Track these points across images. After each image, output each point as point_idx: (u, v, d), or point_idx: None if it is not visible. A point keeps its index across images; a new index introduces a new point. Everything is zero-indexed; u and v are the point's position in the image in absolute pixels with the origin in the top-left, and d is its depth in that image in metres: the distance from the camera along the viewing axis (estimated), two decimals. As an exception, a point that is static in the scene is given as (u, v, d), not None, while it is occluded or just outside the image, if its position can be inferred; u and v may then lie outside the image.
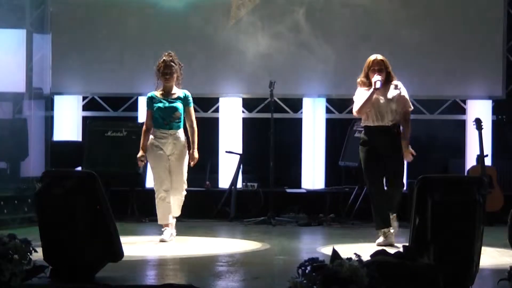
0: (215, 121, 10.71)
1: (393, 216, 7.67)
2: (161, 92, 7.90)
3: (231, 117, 10.64)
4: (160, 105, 7.82)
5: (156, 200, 7.80)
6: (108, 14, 10.62)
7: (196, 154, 7.85)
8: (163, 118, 7.79)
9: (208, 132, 10.69)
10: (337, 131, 10.70)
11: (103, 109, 10.96)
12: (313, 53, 10.35)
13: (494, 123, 10.53)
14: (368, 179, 7.68)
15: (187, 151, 7.84)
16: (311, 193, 10.40)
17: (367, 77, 7.64)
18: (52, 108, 10.73)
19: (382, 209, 7.60)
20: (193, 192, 10.30)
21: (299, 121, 10.69)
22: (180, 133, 7.83)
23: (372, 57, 7.67)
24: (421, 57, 10.30)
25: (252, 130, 10.69)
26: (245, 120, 10.70)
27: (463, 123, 10.58)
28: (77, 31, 10.58)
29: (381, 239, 7.59)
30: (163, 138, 7.78)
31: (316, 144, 10.59)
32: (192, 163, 7.88)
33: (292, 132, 10.66)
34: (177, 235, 8.08)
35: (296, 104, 10.75)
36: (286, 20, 10.38)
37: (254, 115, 10.77)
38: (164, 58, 7.84)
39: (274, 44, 10.37)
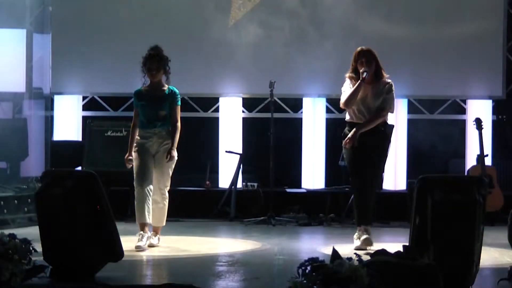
0: (215, 121, 10.71)
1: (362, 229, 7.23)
2: (147, 89, 7.44)
3: (231, 117, 10.64)
4: (144, 103, 7.37)
5: (135, 197, 7.28)
6: (108, 14, 10.62)
7: (174, 153, 7.27)
8: (147, 117, 7.35)
9: (208, 132, 10.72)
10: (337, 131, 10.66)
11: (103, 109, 10.96)
12: (313, 53, 10.35)
13: (494, 123, 10.52)
14: (353, 178, 7.37)
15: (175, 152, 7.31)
16: (311, 193, 10.39)
17: (356, 71, 7.28)
18: (52, 108, 10.72)
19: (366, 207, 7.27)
20: (193, 192, 10.38)
21: (299, 121, 10.69)
22: (167, 132, 7.36)
23: (358, 48, 7.32)
24: (421, 57, 10.30)
25: (252, 130, 10.68)
26: (245, 120, 10.70)
27: (463, 123, 10.58)
28: (77, 31, 10.58)
29: (358, 242, 7.23)
30: (147, 138, 7.34)
31: (316, 144, 10.59)
32: (169, 161, 7.26)
33: (292, 132, 10.65)
34: (177, 235, 8.08)
35: (296, 104, 10.74)
36: (286, 20, 10.39)
37: (254, 115, 10.77)
38: (149, 52, 7.38)
39: (274, 44, 10.38)
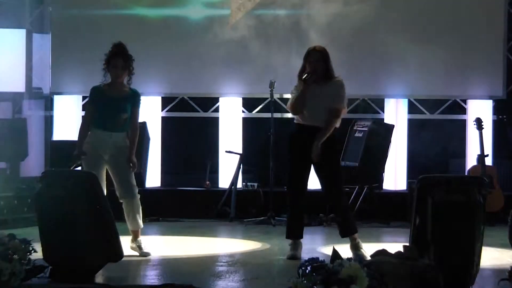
0: (215, 121, 10.71)
1: (354, 241, 6.82)
2: (108, 88, 6.80)
3: (231, 117, 10.63)
4: (105, 103, 6.74)
5: None
6: (108, 13, 10.61)
7: (134, 159, 6.72)
8: (106, 120, 6.71)
9: (208, 132, 10.71)
10: (337, 131, 10.65)
11: (103, 109, 10.94)
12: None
13: (495, 123, 10.52)
14: (290, 179, 6.97)
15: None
16: (311, 193, 10.36)
17: (304, 70, 6.78)
18: (52, 108, 10.73)
19: (296, 218, 6.97)
20: (193, 192, 10.37)
21: (299, 121, 10.67)
22: (123, 136, 6.78)
23: (310, 48, 6.82)
24: (421, 57, 10.27)
25: (252, 130, 10.68)
26: (245, 120, 10.70)
27: (463, 123, 10.57)
28: (77, 31, 10.57)
29: (289, 252, 6.77)
30: (102, 141, 6.70)
31: (316, 144, 10.56)
32: (131, 169, 6.74)
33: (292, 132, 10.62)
34: (177, 235, 8.06)
35: (296, 104, 10.72)
36: (286, 20, 10.38)
37: (254, 115, 10.76)
38: (114, 49, 6.79)
39: (274, 44, 10.37)
